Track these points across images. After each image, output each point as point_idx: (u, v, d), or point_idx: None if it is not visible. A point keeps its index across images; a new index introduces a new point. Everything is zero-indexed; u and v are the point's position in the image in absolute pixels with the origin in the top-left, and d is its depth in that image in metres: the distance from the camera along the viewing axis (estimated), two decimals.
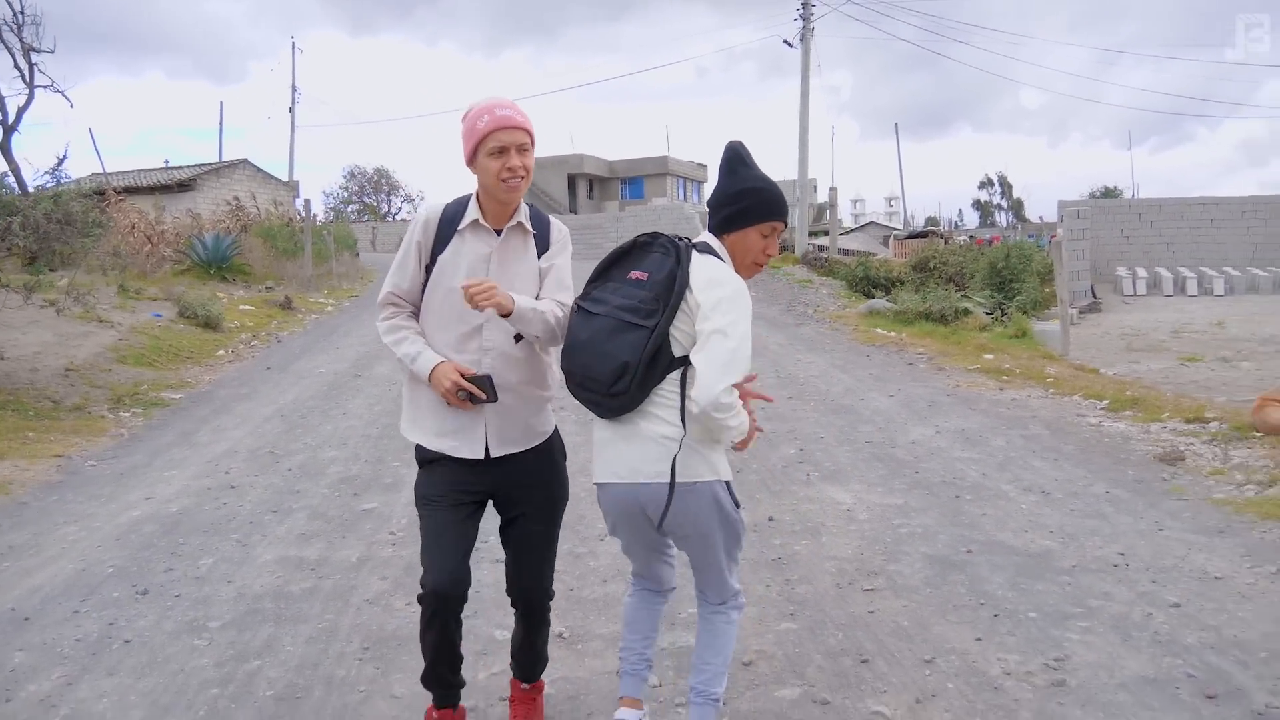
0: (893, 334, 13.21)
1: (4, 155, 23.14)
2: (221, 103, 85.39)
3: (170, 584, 4.86)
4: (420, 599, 2.86)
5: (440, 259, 2.89)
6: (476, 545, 2.99)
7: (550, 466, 3.05)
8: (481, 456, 2.90)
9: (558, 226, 3.04)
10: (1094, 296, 20.34)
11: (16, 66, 23.65)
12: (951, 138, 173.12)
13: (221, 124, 55.09)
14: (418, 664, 3.09)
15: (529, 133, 2.83)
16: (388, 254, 34.77)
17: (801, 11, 27.05)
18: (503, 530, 3.06)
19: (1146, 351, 12.35)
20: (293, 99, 47.14)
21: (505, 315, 2.73)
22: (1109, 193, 59.90)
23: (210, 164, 33.30)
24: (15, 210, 9.43)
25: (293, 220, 26.46)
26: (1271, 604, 4.07)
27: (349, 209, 62.39)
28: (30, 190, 11.21)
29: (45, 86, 24.14)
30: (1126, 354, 12.18)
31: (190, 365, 12.51)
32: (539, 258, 2.95)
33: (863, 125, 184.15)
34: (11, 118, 23.72)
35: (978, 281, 16.83)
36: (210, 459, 7.50)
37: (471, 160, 2.83)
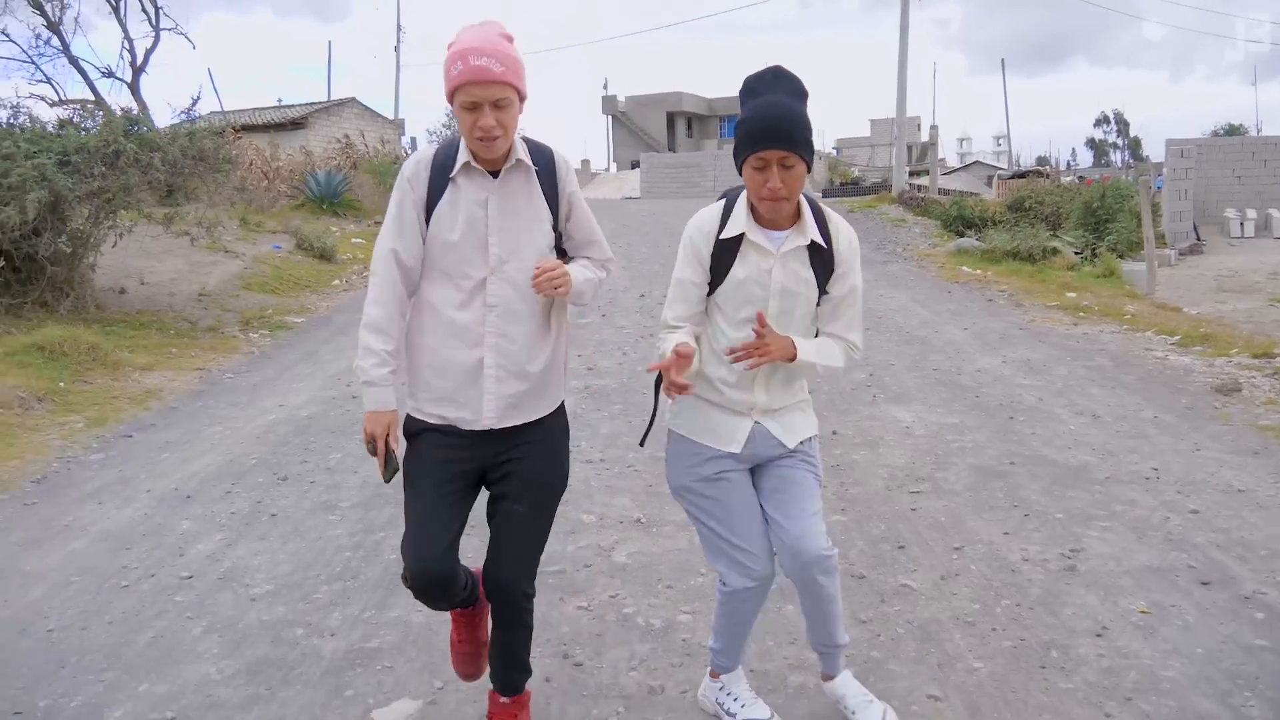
0: (978, 272, 13.41)
1: (134, 95, 24.57)
2: (330, 42, 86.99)
3: (306, 473, 5.63)
4: (403, 578, 2.68)
5: (436, 211, 2.60)
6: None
7: (546, 445, 2.72)
8: (483, 428, 2.62)
9: (562, 160, 2.72)
10: (1198, 238, 19.98)
11: (144, 10, 25.01)
12: (1067, 73, 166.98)
13: (330, 63, 56.48)
14: None
15: (511, 85, 2.47)
16: None
17: None
18: (488, 509, 2.75)
19: (1237, 292, 12.34)
20: (398, 38, 48.12)
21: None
22: (1233, 130, 57.13)
23: (320, 103, 34.42)
24: (156, 147, 10.30)
25: (400, 158, 27.42)
26: None
27: None
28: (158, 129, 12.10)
29: (170, 29, 25.54)
30: (1215, 294, 12.20)
31: (309, 293, 13.45)
32: (547, 197, 2.66)
33: (971, 60, 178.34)
34: (140, 59, 25.15)
35: (1072, 221, 16.78)
36: (332, 374, 8.31)
37: (451, 102, 2.53)
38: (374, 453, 2.57)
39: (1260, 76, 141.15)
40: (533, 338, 2.64)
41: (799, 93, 2.52)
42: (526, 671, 2.88)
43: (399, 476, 2.67)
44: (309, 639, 3.65)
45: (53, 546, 4.69)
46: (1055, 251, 14.16)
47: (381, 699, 3.21)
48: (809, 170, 2.51)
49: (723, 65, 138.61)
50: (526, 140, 2.65)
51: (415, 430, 2.69)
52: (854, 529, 4.45)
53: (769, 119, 2.45)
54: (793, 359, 2.57)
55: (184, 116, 12.29)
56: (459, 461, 2.64)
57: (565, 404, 2.81)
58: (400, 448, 2.62)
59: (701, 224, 2.65)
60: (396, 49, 42.91)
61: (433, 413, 2.65)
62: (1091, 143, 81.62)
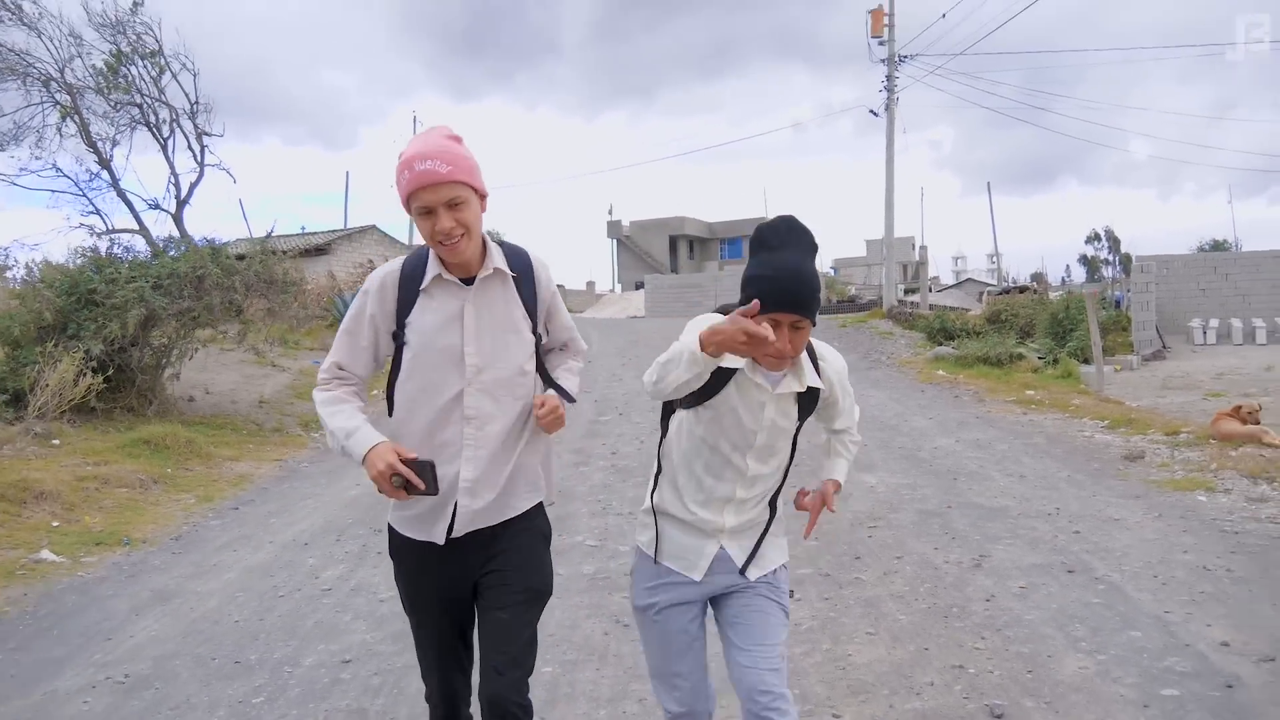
0: (950, 375, 15.03)
1: (177, 225, 26.60)
2: (348, 172, 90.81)
3: None
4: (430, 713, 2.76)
5: (409, 324, 2.54)
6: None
7: (526, 548, 2.64)
8: (441, 541, 2.57)
9: (539, 263, 2.67)
10: (1163, 345, 21.66)
11: (190, 148, 27.24)
12: (1058, 192, 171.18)
13: (347, 192, 59.37)
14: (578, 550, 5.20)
15: (464, 184, 2.44)
16: None
17: (885, 84, 29.08)
18: (477, 620, 2.69)
19: (1180, 390, 13.91)
20: None
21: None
22: (1218, 245, 59.59)
23: (342, 230, 36.69)
24: (235, 271, 12.03)
25: None
26: (1141, 532, 5.98)
27: None
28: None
29: (214, 165, 27.72)
30: (1160, 391, 13.77)
31: None
32: (525, 303, 2.61)
33: (965, 181, 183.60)
34: (184, 193, 27.29)
35: (1040, 330, 18.48)
36: None
37: (409, 211, 2.47)
38: (402, 486, 2.42)
39: (1241, 195, 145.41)
40: (505, 445, 2.60)
41: (811, 248, 2.47)
42: None
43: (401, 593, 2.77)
44: None
45: (210, 578, 6.15)
46: (1021, 357, 15.78)
47: None
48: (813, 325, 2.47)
49: (722, 190, 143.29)
50: (502, 244, 2.63)
51: (397, 544, 2.70)
52: (823, 549, 5.95)
53: (787, 285, 2.39)
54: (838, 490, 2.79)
55: (259, 245, 14.02)
56: (450, 582, 2.62)
57: (546, 507, 2.78)
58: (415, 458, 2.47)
59: None
60: None
61: (406, 531, 2.66)
62: (1084, 259, 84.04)
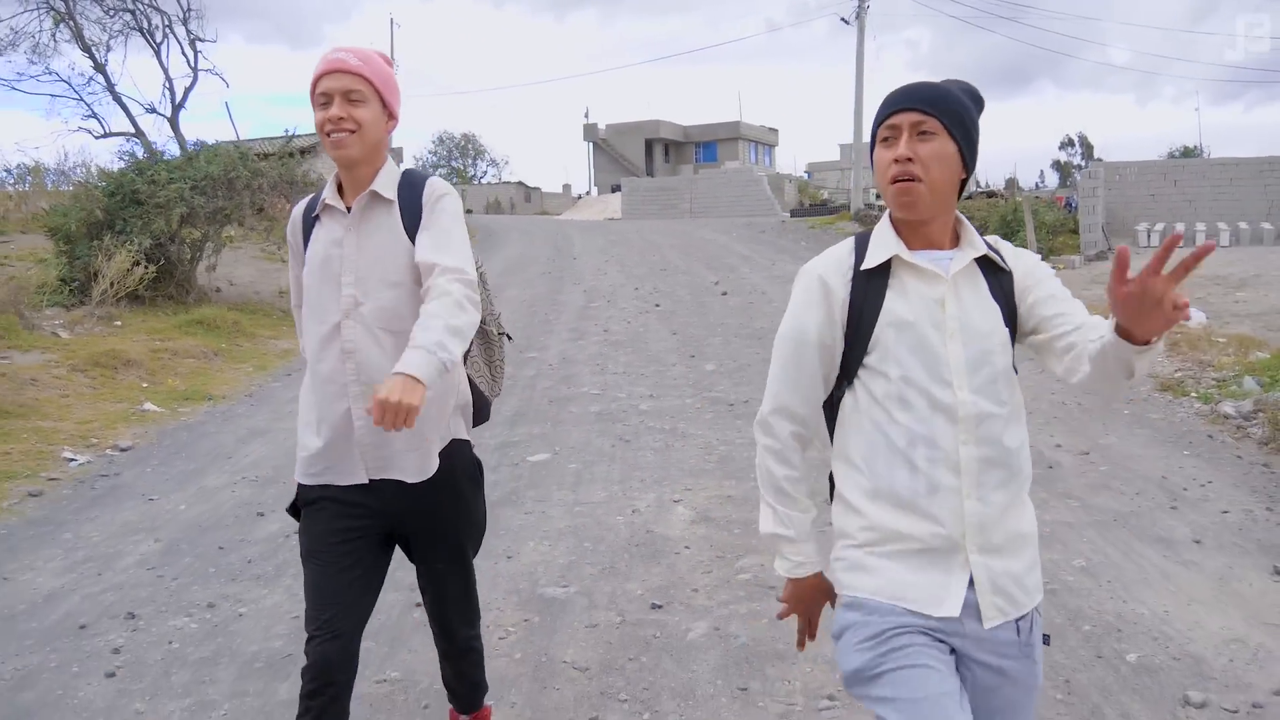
0: None
1: (174, 129, 27.58)
2: None
3: None
4: (302, 671, 2.38)
5: (306, 255, 2.48)
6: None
7: (448, 494, 2.50)
8: (364, 480, 2.41)
9: (433, 185, 2.45)
10: (1108, 247, 23.35)
11: (183, 53, 28.05)
12: (1034, 95, 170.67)
13: None
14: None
15: (364, 78, 2.33)
16: (473, 214, 38.81)
17: None
18: (416, 568, 2.67)
19: (1105, 284, 15.59)
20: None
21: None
22: (1188, 152, 60.88)
23: None
24: (261, 173, 13.36)
25: None
26: (1023, 383, 7.61)
27: (438, 172, 66.56)
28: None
29: (207, 70, 28.55)
30: (1088, 285, 15.47)
31: None
32: (409, 229, 2.39)
33: None
34: (180, 97, 28.17)
35: (990, 231, 20.11)
36: None
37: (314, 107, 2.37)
38: None
39: (1219, 100, 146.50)
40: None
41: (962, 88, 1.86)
42: (482, 689, 2.90)
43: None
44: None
45: (291, 420, 7.70)
46: None
47: (532, 450, 6.31)
48: (964, 162, 1.79)
49: (697, 93, 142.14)
50: (409, 172, 2.48)
51: (304, 499, 2.51)
52: None
53: (904, 87, 1.83)
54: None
55: (280, 145, 15.27)
56: (353, 526, 2.45)
57: (468, 442, 2.56)
58: None
59: (828, 260, 1.92)
60: None
61: (309, 473, 2.47)
62: (1057, 164, 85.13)
